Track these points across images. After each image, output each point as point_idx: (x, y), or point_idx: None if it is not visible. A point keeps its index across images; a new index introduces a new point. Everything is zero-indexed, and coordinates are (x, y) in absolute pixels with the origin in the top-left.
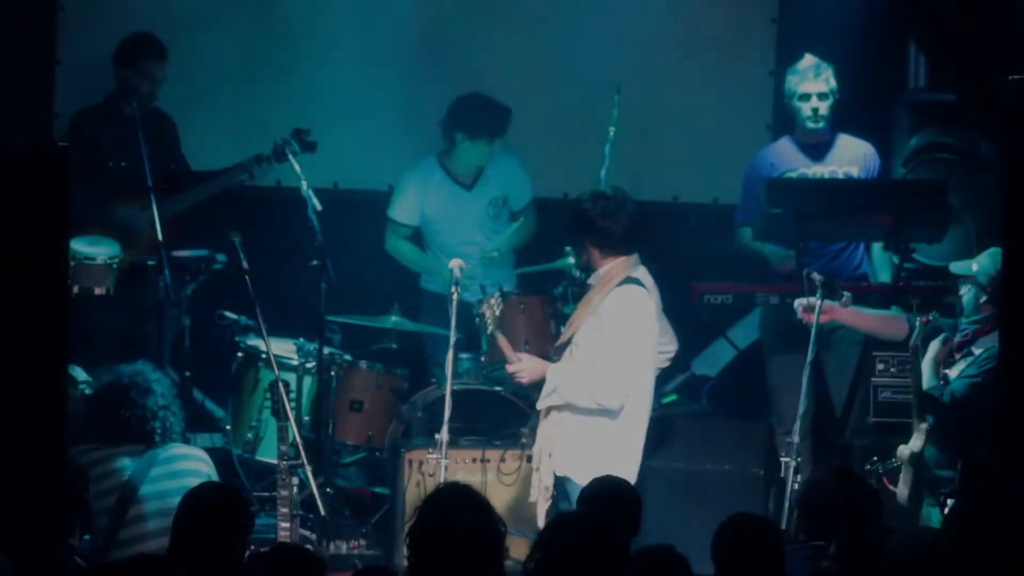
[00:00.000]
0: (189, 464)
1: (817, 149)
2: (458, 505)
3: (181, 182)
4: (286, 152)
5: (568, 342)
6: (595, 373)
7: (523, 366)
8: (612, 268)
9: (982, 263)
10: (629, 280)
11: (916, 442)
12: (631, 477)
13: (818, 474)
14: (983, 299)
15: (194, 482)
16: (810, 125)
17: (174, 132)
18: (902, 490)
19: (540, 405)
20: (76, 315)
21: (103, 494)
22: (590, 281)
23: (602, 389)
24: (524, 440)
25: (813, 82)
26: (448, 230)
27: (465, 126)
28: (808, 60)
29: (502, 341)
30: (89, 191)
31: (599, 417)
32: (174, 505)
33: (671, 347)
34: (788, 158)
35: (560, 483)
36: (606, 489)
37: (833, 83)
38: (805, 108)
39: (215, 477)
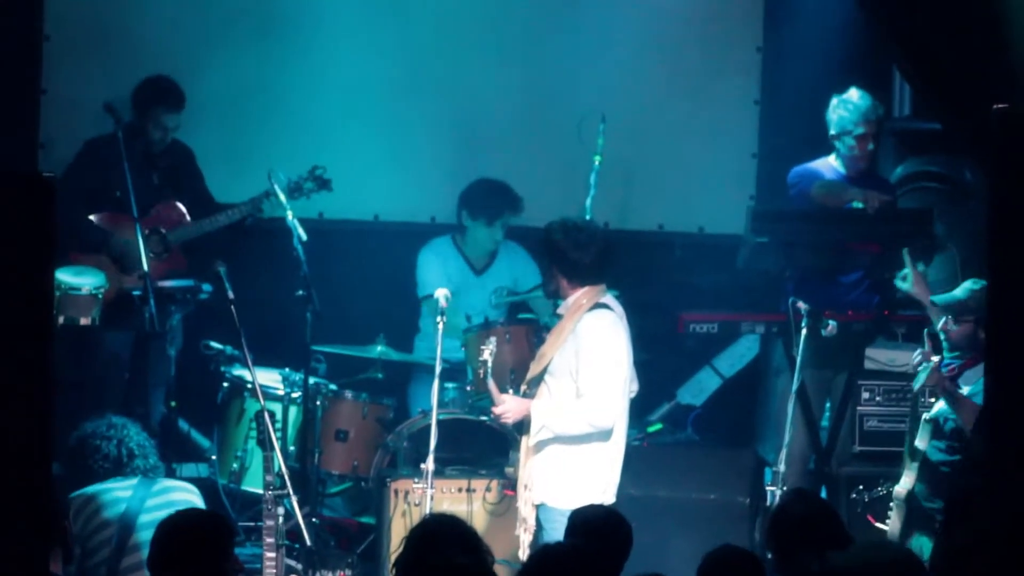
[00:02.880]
0: (182, 495)
1: (856, 182)
2: (446, 536)
3: (190, 212)
4: (303, 189)
5: (542, 374)
6: (583, 397)
7: (508, 407)
8: (580, 296)
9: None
10: (599, 306)
11: (907, 480)
12: (607, 502)
13: (780, 501)
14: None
15: None
16: (861, 164)
17: (192, 164)
18: (893, 524)
19: (531, 442)
20: (61, 345)
21: (100, 527)
22: (559, 311)
23: (594, 411)
24: (508, 475)
25: (870, 123)
26: (450, 307)
27: (468, 206)
28: (861, 96)
29: (491, 384)
30: (91, 221)
31: (576, 444)
32: None
33: (633, 386)
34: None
35: (537, 511)
36: (599, 518)
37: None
38: (857, 147)
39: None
